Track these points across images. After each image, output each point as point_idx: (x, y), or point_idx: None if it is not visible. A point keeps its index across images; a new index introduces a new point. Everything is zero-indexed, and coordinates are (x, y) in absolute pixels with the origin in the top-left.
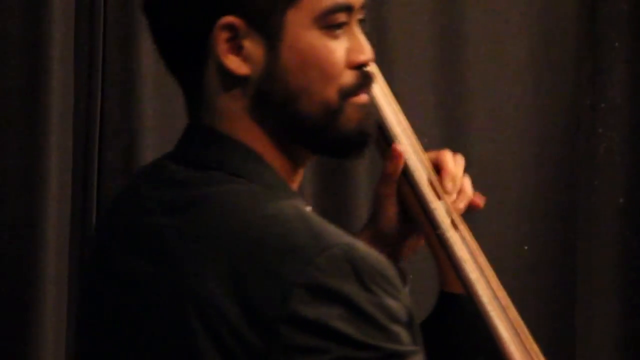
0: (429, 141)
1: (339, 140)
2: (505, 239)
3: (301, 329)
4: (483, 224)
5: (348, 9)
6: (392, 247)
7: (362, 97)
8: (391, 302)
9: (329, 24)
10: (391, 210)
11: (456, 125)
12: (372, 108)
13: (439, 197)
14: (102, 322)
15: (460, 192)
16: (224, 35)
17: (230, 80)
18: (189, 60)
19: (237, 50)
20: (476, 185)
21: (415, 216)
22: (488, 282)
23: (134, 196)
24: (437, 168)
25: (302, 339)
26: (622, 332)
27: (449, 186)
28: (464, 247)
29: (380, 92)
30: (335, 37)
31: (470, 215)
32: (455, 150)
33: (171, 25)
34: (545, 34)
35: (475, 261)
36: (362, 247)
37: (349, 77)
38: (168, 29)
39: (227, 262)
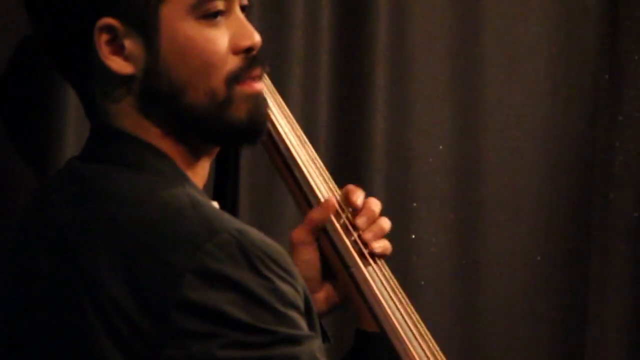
0: (444, 148)
1: (230, 129)
2: (518, 249)
3: (192, 315)
4: (497, 233)
5: None
6: (316, 293)
7: (253, 86)
8: (285, 287)
9: (205, 12)
10: (312, 256)
11: (472, 135)
12: (263, 98)
13: (351, 234)
14: (3, 321)
15: (376, 228)
16: (104, 37)
17: (117, 80)
18: (75, 65)
19: (120, 50)
20: (491, 196)
21: (327, 255)
22: (404, 317)
23: (43, 194)
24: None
25: (193, 325)
26: (635, 345)
27: (360, 222)
28: (377, 283)
29: (278, 111)
30: (214, 25)
31: (485, 224)
32: (470, 159)
33: (54, 30)
34: (563, 46)
35: (390, 298)
36: (253, 231)
37: (234, 63)
38: (51, 34)
39: (121, 252)
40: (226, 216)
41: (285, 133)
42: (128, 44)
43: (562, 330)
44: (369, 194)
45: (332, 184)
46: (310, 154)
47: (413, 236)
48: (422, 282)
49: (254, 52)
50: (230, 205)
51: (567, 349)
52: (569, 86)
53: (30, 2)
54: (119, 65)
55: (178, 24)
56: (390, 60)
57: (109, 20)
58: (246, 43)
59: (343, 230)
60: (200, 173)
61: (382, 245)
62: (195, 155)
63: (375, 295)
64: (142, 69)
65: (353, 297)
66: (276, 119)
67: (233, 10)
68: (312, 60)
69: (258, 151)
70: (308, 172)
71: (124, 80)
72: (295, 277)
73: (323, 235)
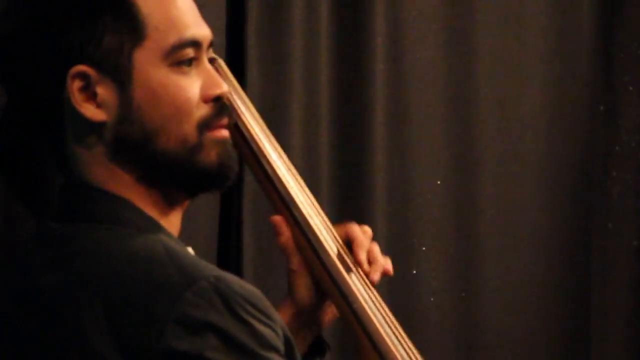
0: (443, 183)
1: (200, 174)
2: (518, 280)
3: None
4: (497, 265)
5: (195, 45)
6: (312, 316)
7: (222, 132)
8: (264, 330)
9: (177, 60)
10: (303, 282)
11: (469, 170)
12: (231, 144)
13: (351, 270)
14: None
15: (372, 262)
16: (77, 84)
17: (89, 128)
18: (46, 112)
19: (92, 97)
20: (490, 226)
21: (327, 291)
22: (407, 354)
23: (23, 258)
24: (347, 241)
25: None
26: None
27: (361, 257)
28: (379, 320)
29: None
30: (185, 74)
31: (485, 257)
32: (468, 192)
33: (25, 77)
34: (559, 77)
35: (394, 334)
36: (230, 277)
37: (204, 110)
38: (22, 81)
39: (102, 307)
40: (203, 263)
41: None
42: (101, 90)
43: (566, 357)
44: (372, 229)
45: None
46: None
47: (414, 271)
48: (424, 317)
49: (223, 101)
50: (235, 248)
51: None
52: (564, 118)
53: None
54: (91, 112)
55: (151, 70)
56: (388, 99)
57: (82, 68)
58: (216, 92)
59: (343, 268)
60: (173, 222)
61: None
62: (167, 204)
63: (378, 331)
64: (115, 115)
65: (356, 333)
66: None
67: (201, 59)
68: (312, 101)
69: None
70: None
71: (96, 128)
72: (274, 320)
73: (319, 266)
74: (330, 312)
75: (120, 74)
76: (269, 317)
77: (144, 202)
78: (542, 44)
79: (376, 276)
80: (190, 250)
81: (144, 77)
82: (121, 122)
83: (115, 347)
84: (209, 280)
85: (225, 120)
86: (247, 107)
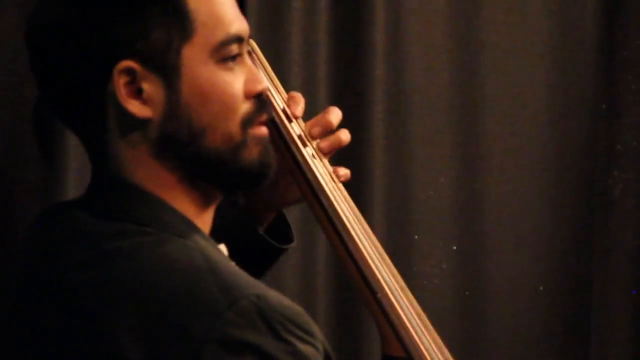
0: (445, 180)
1: (242, 173)
2: (520, 279)
3: None
4: (498, 264)
5: (239, 40)
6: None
7: (262, 130)
8: (305, 348)
9: (224, 56)
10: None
11: (472, 167)
12: (270, 142)
13: (304, 144)
14: None
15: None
16: (122, 80)
17: (133, 124)
18: (87, 110)
19: (137, 93)
20: (492, 223)
21: (350, 273)
22: (430, 344)
23: (48, 249)
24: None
25: None
26: None
27: (314, 130)
28: (403, 309)
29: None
30: (230, 70)
31: (487, 255)
32: (471, 190)
33: (67, 72)
34: (562, 76)
35: (418, 324)
36: (272, 295)
37: (247, 107)
38: (63, 79)
39: (138, 319)
40: (243, 278)
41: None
42: (146, 86)
43: (566, 357)
44: (371, 226)
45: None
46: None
47: (415, 268)
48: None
49: (263, 97)
50: None
51: None
52: (567, 117)
53: (39, 43)
54: (137, 108)
55: (200, 67)
56: (389, 93)
57: (129, 63)
58: (257, 88)
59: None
60: (207, 221)
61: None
62: (203, 204)
63: (401, 319)
64: (161, 112)
65: (379, 322)
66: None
67: (243, 55)
68: (310, 95)
69: None
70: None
71: (141, 124)
72: (315, 336)
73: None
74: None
75: (168, 71)
76: (310, 334)
77: (181, 203)
78: (545, 43)
79: (325, 143)
80: (222, 247)
81: (192, 74)
82: (167, 119)
83: (148, 358)
84: (250, 300)
85: (265, 117)
86: (280, 95)
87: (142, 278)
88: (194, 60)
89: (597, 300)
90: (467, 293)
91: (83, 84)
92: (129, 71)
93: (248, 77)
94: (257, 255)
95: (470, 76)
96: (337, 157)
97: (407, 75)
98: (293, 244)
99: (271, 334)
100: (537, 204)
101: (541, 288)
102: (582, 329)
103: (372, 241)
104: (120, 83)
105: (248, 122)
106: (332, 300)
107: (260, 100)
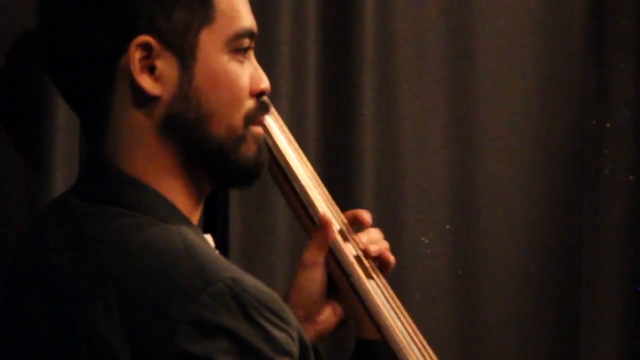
0: (437, 160)
1: (239, 167)
2: (511, 259)
3: None
4: (491, 243)
5: (251, 35)
6: (311, 316)
7: (260, 130)
8: (279, 334)
9: (237, 47)
10: (320, 274)
11: (464, 146)
12: (264, 142)
13: (347, 240)
14: None
15: (373, 242)
16: (138, 55)
17: (140, 102)
18: (95, 84)
19: (150, 70)
20: (484, 205)
21: (329, 269)
22: (404, 326)
23: (38, 233)
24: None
25: None
26: (627, 353)
27: (363, 238)
28: (377, 292)
29: (284, 136)
30: (241, 62)
31: (480, 234)
32: (463, 170)
33: (81, 44)
34: (551, 55)
35: (390, 306)
36: (247, 279)
37: (251, 104)
38: (77, 48)
39: (115, 298)
40: (220, 261)
41: (284, 148)
42: (160, 64)
43: (556, 338)
44: (361, 206)
45: (331, 201)
46: (311, 170)
47: (407, 248)
48: (418, 295)
49: (265, 97)
50: (221, 222)
51: (561, 356)
52: (557, 97)
53: (56, 8)
54: (149, 84)
55: (215, 53)
56: (378, 73)
57: (147, 38)
58: (261, 86)
59: (342, 241)
60: (196, 213)
61: (378, 248)
62: (194, 194)
63: (375, 302)
64: (171, 92)
65: (354, 306)
66: (275, 134)
67: (251, 51)
68: (299, 77)
69: None
70: (308, 187)
71: (148, 101)
72: (290, 323)
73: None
74: (337, 310)
75: (184, 51)
76: (284, 320)
77: (172, 191)
78: (535, 23)
79: (374, 248)
80: (208, 237)
81: (207, 58)
82: (177, 99)
83: (125, 339)
84: (225, 283)
85: (264, 117)
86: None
87: (120, 259)
88: (210, 46)
89: (587, 278)
90: (460, 272)
91: (97, 54)
92: (146, 46)
93: (254, 73)
94: None
95: (460, 56)
96: (327, 137)
97: (398, 56)
98: None
99: (245, 318)
100: (529, 183)
101: (533, 268)
102: (573, 304)
103: (340, 217)
104: (136, 57)
105: (250, 118)
106: None
107: (262, 100)
